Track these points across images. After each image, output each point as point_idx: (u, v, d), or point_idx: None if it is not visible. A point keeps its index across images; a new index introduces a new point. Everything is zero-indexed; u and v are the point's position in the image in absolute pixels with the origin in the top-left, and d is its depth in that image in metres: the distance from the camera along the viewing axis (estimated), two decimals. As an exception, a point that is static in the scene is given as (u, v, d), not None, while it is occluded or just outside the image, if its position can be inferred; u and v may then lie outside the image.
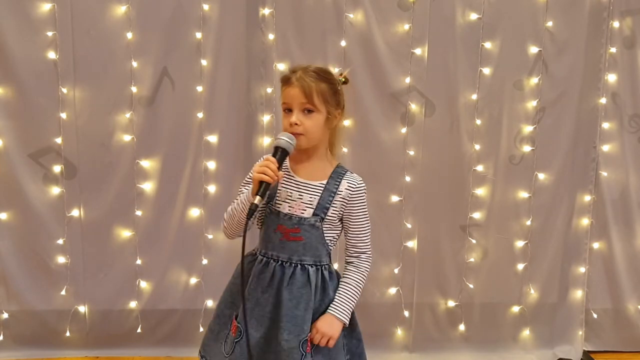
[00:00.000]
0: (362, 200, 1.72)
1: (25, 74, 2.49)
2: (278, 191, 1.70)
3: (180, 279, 2.70)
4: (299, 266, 1.68)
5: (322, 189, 1.69)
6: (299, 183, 1.70)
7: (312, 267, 1.68)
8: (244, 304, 1.63)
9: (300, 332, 1.65)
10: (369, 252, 1.75)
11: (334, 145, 1.77)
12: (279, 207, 1.69)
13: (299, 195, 1.68)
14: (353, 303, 1.71)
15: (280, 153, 1.59)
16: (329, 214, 1.68)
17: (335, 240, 1.74)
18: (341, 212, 1.71)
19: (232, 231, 1.70)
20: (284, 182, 1.69)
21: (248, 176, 1.71)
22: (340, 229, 1.74)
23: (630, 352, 2.88)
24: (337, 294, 1.71)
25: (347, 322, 1.71)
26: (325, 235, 1.69)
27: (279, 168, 1.57)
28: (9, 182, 2.55)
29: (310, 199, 1.68)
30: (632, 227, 2.82)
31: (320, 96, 1.64)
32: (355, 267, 1.73)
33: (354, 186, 1.71)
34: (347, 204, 1.70)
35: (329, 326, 1.68)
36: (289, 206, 1.68)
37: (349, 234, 1.74)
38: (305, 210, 1.68)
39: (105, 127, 2.57)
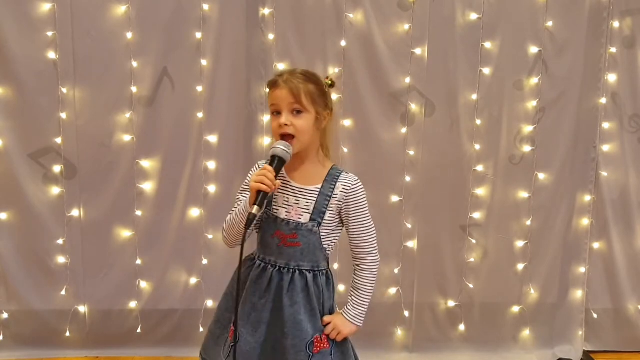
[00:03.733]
0: (360, 200, 1.70)
1: (25, 74, 2.49)
2: (275, 196, 1.69)
3: (180, 279, 2.70)
4: (297, 272, 1.67)
5: (317, 193, 1.68)
6: (294, 188, 1.69)
7: (310, 272, 1.68)
8: (236, 310, 1.62)
9: (306, 335, 1.66)
10: (374, 253, 1.73)
11: (326, 147, 1.76)
12: (276, 213, 1.69)
13: (296, 200, 1.67)
14: (365, 307, 1.73)
15: (277, 162, 1.59)
16: (325, 218, 1.67)
17: (333, 244, 1.73)
18: (339, 215, 1.70)
19: (232, 240, 1.70)
20: (280, 187, 1.68)
21: (245, 183, 1.71)
22: (339, 233, 1.73)
23: (630, 352, 2.88)
24: (350, 299, 1.74)
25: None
26: (323, 240, 1.69)
27: (276, 177, 1.57)
28: (9, 182, 2.55)
29: (307, 204, 1.68)
30: (632, 227, 2.82)
31: (309, 96, 1.65)
32: (361, 270, 1.73)
33: (349, 187, 1.69)
34: (344, 205, 1.69)
35: (342, 324, 1.71)
36: (286, 212, 1.68)
37: (350, 236, 1.72)
38: (302, 215, 1.67)
39: (105, 127, 2.57)
